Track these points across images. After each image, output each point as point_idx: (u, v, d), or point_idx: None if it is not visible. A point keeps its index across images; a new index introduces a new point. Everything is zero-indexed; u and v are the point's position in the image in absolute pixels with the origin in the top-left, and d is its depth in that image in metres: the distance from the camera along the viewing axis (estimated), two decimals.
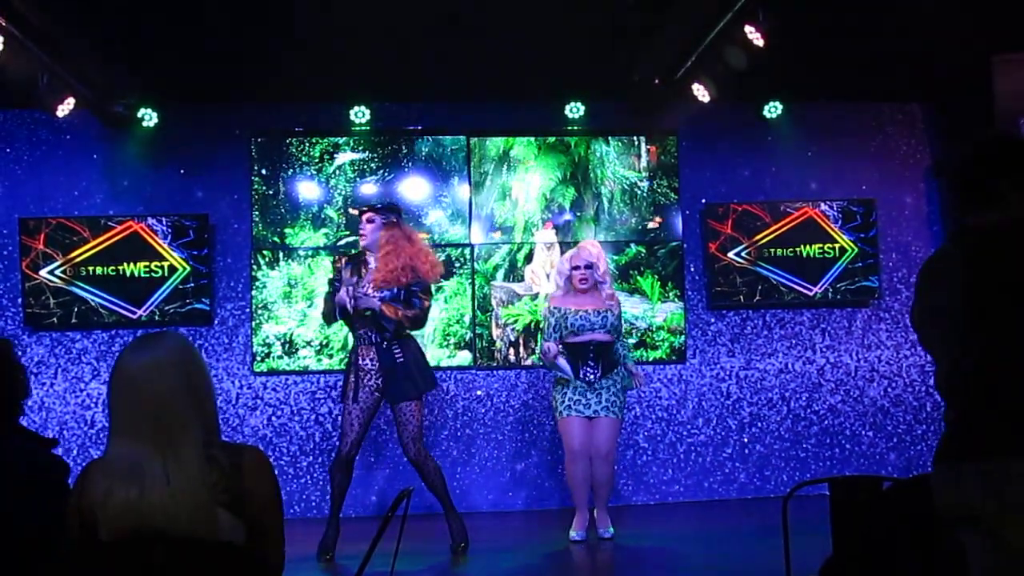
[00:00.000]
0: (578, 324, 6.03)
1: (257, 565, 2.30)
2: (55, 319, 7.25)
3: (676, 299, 7.69)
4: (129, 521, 2.21)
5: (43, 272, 7.22)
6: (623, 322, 6.33)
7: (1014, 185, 2.55)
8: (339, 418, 7.39)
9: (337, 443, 6.07)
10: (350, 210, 6.04)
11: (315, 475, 7.40)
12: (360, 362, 5.77)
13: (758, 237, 7.73)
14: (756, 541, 5.89)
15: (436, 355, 7.49)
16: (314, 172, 7.57)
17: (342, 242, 7.49)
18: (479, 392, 7.58)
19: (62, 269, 7.24)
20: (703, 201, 7.85)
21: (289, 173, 7.55)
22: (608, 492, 6.15)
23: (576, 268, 6.11)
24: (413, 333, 5.95)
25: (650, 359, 7.61)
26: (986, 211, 2.55)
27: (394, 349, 5.75)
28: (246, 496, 2.26)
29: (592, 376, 5.97)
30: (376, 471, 7.43)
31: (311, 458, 7.41)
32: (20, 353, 2.56)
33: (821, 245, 7.78)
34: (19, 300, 7.28)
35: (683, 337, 7.70)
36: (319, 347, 7.42)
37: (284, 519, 2.41)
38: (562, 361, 6.01)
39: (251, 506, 2.27)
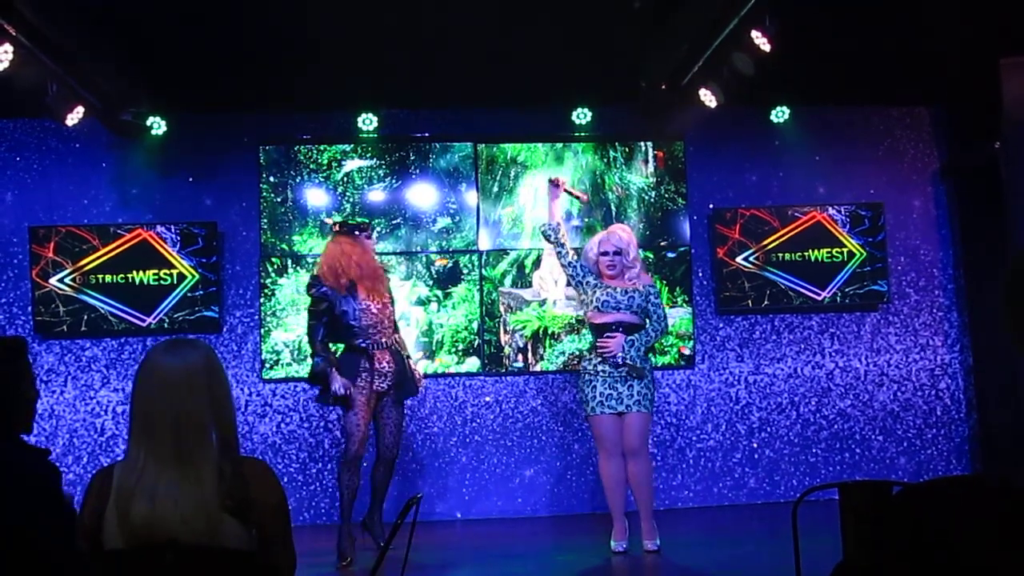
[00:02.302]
0: (603, 300, 5.79)
1: (266, 571, 2.31)
2: (65, 327, 7.27)
3: (684, 304, 7.68)
4: (142, 530, 2.23)
5: (53, 280, 7.24)
6: (658, 306, 5.90)
7: None
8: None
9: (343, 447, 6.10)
10: (352, 223, 6.11)
11: (324, 482, 7.40)
12: (377, 366, 5.84)
13: (766, 242, 7.73)
14: (766, 547, 5.87)
15: (445, 361, 7.50)
16: (322, 179, 7.59)
17: None
18: (488, 398, 7.58)
19: (71, 277, 7.26)
20: (711, 206, 7.84)
21: (297, 180, 7.57)
22: (648, 495, 5.81)
23: (604, 254, 5.87)
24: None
25: (659, 364, 7.60)
26: None
27: (400, 352, 6.04)
28: (251, 505, 2.29)
29: (621, 358, 5.70)
30: None
31: (320, 465, 7.42)
32: (30, 362, 2.56)
33: (829, 249, 7.77)
34: (29, 308, 7.31)
35: (691, 342, 7.69)
36: None
37: (291, 524, 2.43)
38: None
39: (256, 514, 2.30)
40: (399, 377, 5.95)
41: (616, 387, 5.72)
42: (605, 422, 5.73)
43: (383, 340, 5.93)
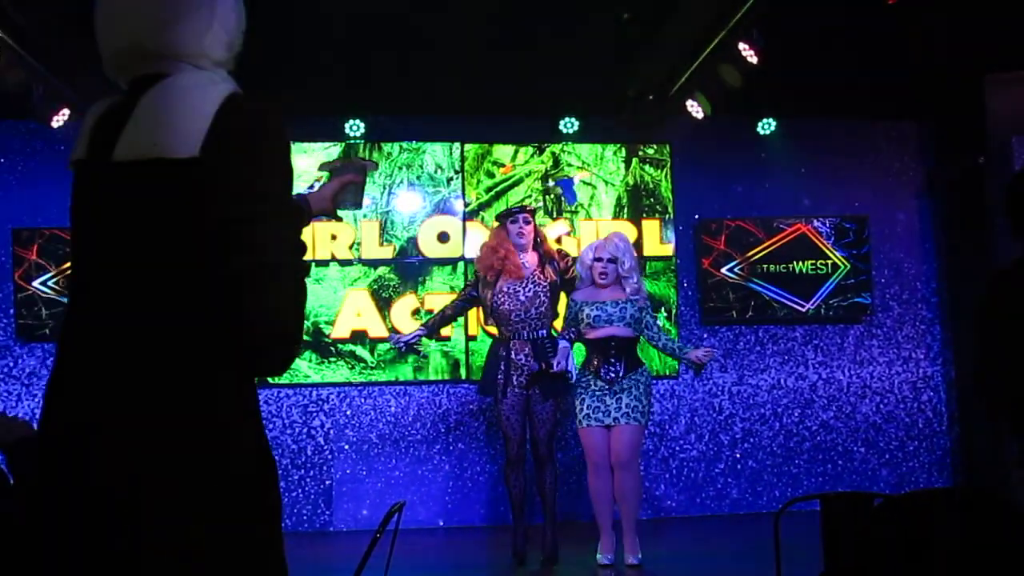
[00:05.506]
0: (594, 315, 5.67)
1: None
2: (47, 330, 7.22)
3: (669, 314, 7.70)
4: None
5: (36, 283, 7.20)
6: (652, 317, 5.84)
7: None
8: (327, 431, 7.42)
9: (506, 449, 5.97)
10: (505, 211, 5.98)
11: (307, 489, 7.37)
12: (514, 357, 5.76)
13: (751, 253, 7.75)
14: (748, 557, 5.87)
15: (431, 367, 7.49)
16: (309, 186, 7.57)
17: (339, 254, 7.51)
18: (471, 406, 7.57)
19: (55, 280, 7.22)
20: (696, 217, 7.86)
21: None
22: (634, 508, 5.72)
23: (598, 260, 5.72)
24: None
25: None
26: None
27: (547, 346, 5.74)
28: None
29: (613, 374, 5.63)
30: (367, 484, 7.41)
31: (303, 471, 7.38)
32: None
33: (814, 261, 7.79)
34: (11, 311, 7.26)
35: None
36: (310, 360, 7.40)
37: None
38: (568, 362, 5.73)
39: None
40: (543, 371, 5.71)
41: (604, 400, 5.63)
42: (592, 435, 5.64)
43: (524, 331, 5.77)
